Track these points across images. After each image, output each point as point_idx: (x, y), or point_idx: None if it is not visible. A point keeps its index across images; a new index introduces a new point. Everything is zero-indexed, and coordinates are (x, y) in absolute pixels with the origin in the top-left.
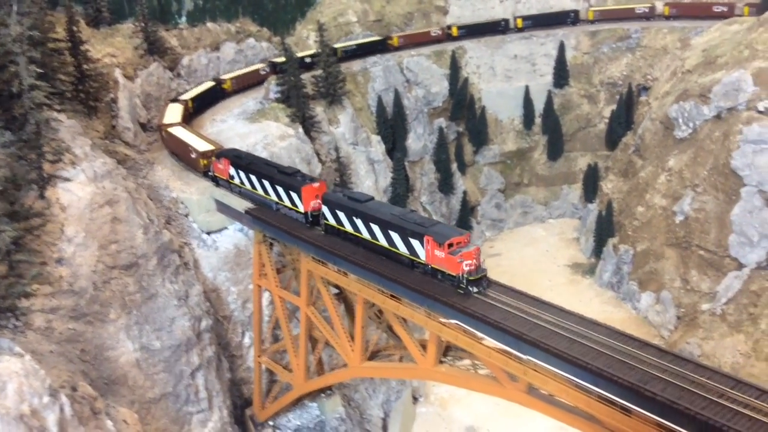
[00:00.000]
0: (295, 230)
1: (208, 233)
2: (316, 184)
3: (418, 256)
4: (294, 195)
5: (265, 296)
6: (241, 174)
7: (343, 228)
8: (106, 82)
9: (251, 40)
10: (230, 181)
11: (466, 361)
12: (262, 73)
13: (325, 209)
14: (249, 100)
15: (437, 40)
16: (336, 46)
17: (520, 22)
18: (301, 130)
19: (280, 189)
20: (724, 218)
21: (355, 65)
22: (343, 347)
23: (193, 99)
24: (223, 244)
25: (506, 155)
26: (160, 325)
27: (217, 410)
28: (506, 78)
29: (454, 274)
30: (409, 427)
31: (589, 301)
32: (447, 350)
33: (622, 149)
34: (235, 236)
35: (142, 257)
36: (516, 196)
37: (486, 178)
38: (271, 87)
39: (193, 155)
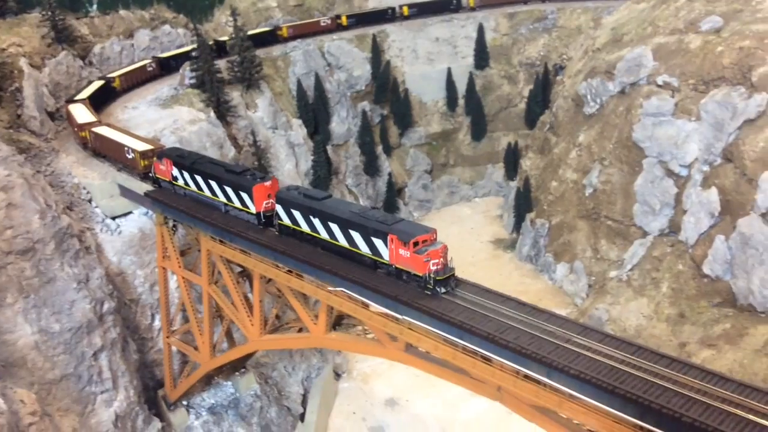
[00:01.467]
0: (192, 210)
1: (113, 218)
2: (268, 183)
3: (381, 257)
4: (244, 195)
5: (175, 279)
6: (185, 175)
7: (299, 228)
8: (10, 71)
9: (167, 27)
10: (173, 182)
11: (359, 328)
12: (149, 69)
13: (279, 209)
14: (164, 87)
15: (328, 30)
16: (221, 39)
17: (406, 10)
18: (213, 114)
19: (228, 189)
20: (629, 189)
21: (276, 50)
22: (244, 322)
23: (89, 98)
24: (128, 228)
25: (432, 137)
26: (59, 308)
27: (123, 390)
28: (429, 61)
29: (420, 274)
30: (331, 402)
31: (509, 274)
32: (341, 319)
33: (539, 128)
34: (140, 220)
35: (39, 242)
36: (443, 176)
37: (412, 160)
38: (186, 73)
39: (131, 156)
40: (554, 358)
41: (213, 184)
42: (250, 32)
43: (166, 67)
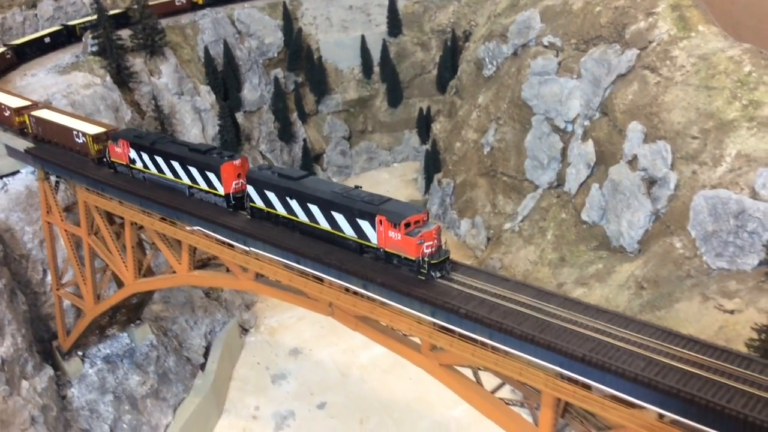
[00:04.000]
0: (66, 163)
1: (0, 177)
2: (237, 161)
3: (368, 240)
4: (211, 176)
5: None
6: (144, 157)
7: (274, 211)
8: None
9: None
10: (131, 166)
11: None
12: (8, 56)
13: (250, 190)
14: (67, 55)
15: (182, 10)
16: (72, 23)
17: None
18: (109, 78)
19: (193, 170)
20: (521, 146)
21: (184, 18)
22: (119, 268)
23: None
24: (15, 187)
25: (348, 104)
26: None
27: (9, 337)
28: (343, 28)
29: (412, 258)
30: (236, 354)
31: None
32: (210, 259)
33: (448, 92)
34: (27, 179)
35: None
36: (361, 143)
37: (329, 127)
38: (88, 41)
39: (81, 140)
40: (367, 273)
41: (175, 165)
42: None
43: (22, 55)
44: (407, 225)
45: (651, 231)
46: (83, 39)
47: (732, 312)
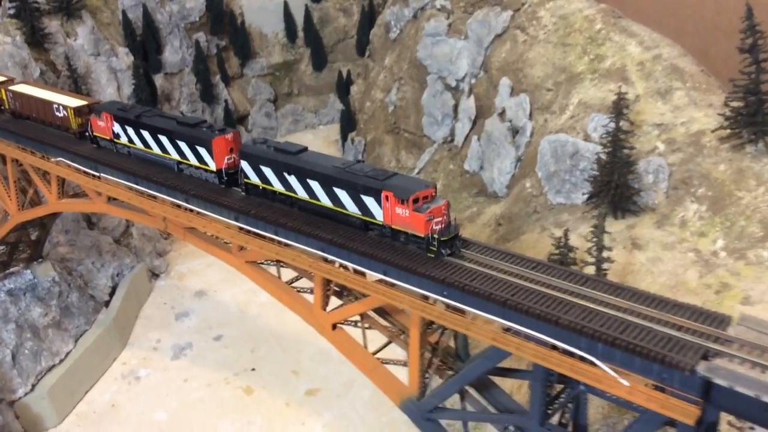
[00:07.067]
0: None
1: None
2: (229, 135)
3: (373, 217)
4: (202, 150)
5: None
6: (129, 131)
7: (270, 187)
8: None
9: None
10: (115, 141)
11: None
12: None
13: (245, 165)
14: None
15: None
16: None
17: None
18: (19, 38)
19: (182, 145)
20: (418, 104)
21: None
22: (5, 201)
23: None
24: None
25: (274, 67)
26: None
27: None
28: None
29: (421, 235)
30: (145, 297)
31: None
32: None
33: (366, 56)
34: None
35: None
36: (287, 105)
37: (254, 89)
38: (6, 4)
39: (61, 114)
40: (188, 187)
41: (163, 139)
42: None
43: None
44: (415, 201)
45: (516, 175)
46: (1, 3)
47: (559, 238)
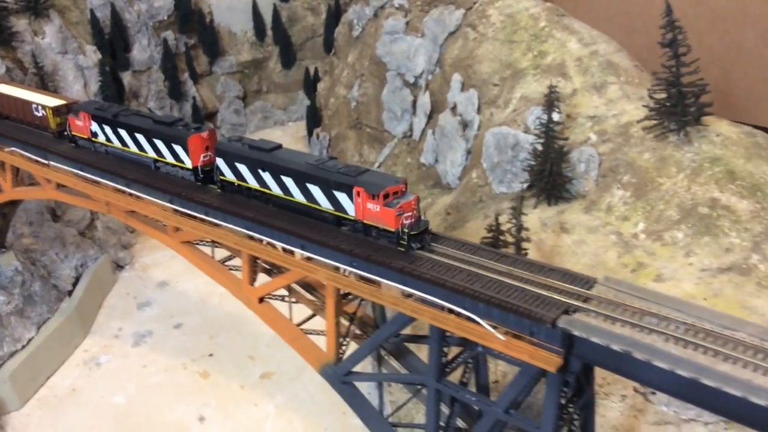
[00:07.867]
0: None
1: None
2: (204, 133)
3: (345, 212)
4: (178, 148)
5: None
6: (107, 129)
7: (245, 184)
8: None
9: None
10: (93, 140)
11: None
12: None
13: (220, 162)
14: None
15: None
16: None
17: None
18: None
19: (158, 143)
20: (379, 100)
21: None
22: None
23: None
24: None
25: (242, 65)
26: None
27: None
28: None
29: (391, 229)
30: (108, 287)
31: None
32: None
33: (331, 53)
34: None
35: None
36: (256, 102)
37: (223, 86)
38: None
39: (40, 113)
40: (128, 174)
41: (140, 138)
42: None
43: None
44: (386, 196)
45: (466, 167)
46: None
47: (491, 225)
